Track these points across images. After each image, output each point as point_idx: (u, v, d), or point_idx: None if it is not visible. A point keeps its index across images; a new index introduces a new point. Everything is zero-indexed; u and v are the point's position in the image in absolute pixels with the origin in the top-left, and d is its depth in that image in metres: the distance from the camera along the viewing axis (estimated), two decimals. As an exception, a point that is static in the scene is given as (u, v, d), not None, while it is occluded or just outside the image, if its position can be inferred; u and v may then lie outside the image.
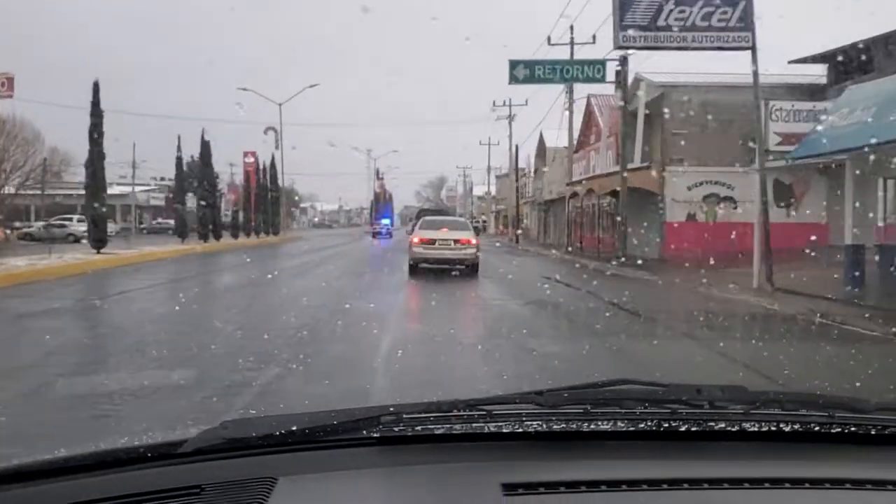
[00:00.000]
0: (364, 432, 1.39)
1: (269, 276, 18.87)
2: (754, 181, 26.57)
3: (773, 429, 1.42)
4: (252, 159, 49.92)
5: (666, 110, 26.50)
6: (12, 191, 58.43)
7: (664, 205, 26.30)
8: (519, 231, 47.49)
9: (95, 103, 22.71)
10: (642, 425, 1.42)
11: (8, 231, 49.36)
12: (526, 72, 24.44)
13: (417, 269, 18.25)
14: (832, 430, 1.43)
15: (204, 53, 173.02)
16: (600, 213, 33.37)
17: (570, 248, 32.32)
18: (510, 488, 1.23)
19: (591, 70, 24.67)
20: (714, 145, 25.55)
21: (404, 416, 1.42)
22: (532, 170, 54.24)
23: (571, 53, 30.22)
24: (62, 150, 52.43)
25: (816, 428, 1.44)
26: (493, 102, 53.57)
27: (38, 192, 58.98)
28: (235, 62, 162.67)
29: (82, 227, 50.84)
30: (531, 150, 54.42)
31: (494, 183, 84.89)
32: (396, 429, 1.40)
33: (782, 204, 25.26)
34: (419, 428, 1.40)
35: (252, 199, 45.13)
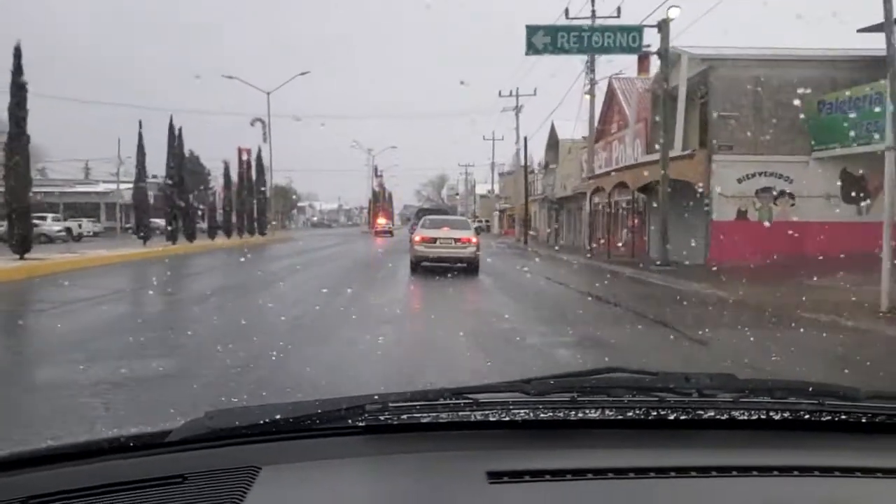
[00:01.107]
0: (349, 421, 1.38)
1: (215, 292, 14.45)
2: (817, 173, 22.60)
3: (763, 417, 1.41)
4: (246, 157, 45.81)
5: (711, 88, 22.26)
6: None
7: (710, 200, 22.02)
8: (532, 232, 43.19)
9: (17, 71, 18.27)
10: (630, 413, 1.40)
11: None
12: (546, 40, 20.17)
13: (419, 269, 18.44)
14: (822, 419, 1.43)
15: (197, 49, 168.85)
16: (626, 211, 29.14)
17: (591, 251, 28.02)
18: (495, 476, 1.23)
19: (625, 38, 20.35)
20: (769, 130, 21.28)
21: (390, 404, 1.40)
22: (541, 165, 49.93)
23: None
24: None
25: (806, 416, 1.42)
26: (499, 92, 49.44)
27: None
28: (230, 57, 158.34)
29: (56, 227, 47.32)
30: (540, 145, 50.19)
31: (498, 181, 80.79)
32: (382, 417, 1.38)
33: (853, 198, 21.08)
34: (405, 416, 1.38)
35: (233, 196, 40.89)
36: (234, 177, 42.94)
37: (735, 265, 19.72)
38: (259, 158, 44.29)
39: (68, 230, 46.87)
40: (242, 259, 25.71)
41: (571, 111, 79.94)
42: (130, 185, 69.93)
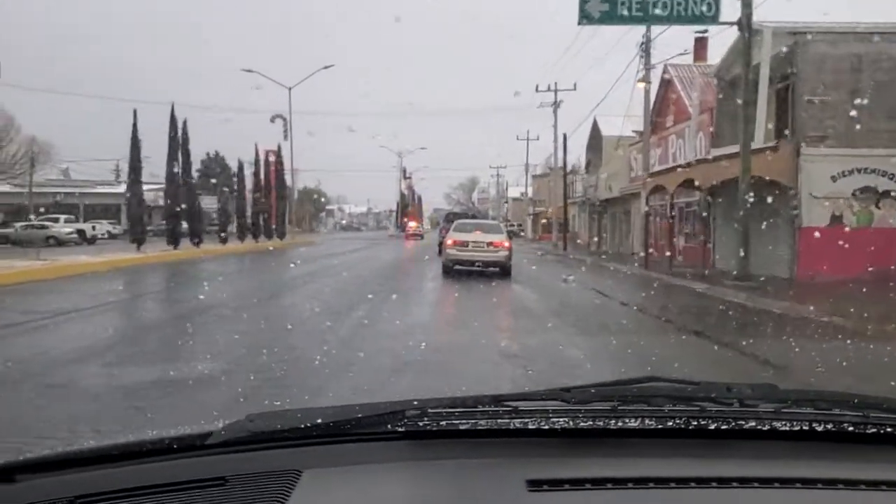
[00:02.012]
0: (389, 426, 1.38)
1: (159, 323, 10.83)
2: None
3: (805, 428, 1.38)
4: (265, 155, 42.97)
5: (800, 68, 18.60)
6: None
7: (798, 202, 18.34)
8: (579, 240, 39.58)
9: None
10: (670, 423, 1.38)
11: None
12: (604, 7, 16.70)
13: (451, 273, 18.38)
14: (867, 431, 1.39)
15: (219, 45, 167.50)
16: (688, 214, 25.51)
17: (644, 260, 24.38)
18: (535, 484, 1.22)
19: (699, 4, 16.80)
20: (870, 118, 17.56)
21: (429, 410, 1.41)
22: (582, 165, 46.28)
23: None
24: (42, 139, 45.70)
25: (850, 428, 1.39)
26: (536, 87, 45.84)
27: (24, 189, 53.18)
28: (249, 54, 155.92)
29: (67, 229, 44.92)
30: (579, 144, 46.59)
31: (532, 184, 77.21)
32: (421, 423, 1.38)
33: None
34: (444, 423, 1.39)
35: (245, 197, 37.90)
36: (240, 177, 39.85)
37: (830, 280, 16.11)
38: (279, 157, 41.17)
39: (80, 232, 44.52)
40: (241, 268, 22.56)
41: (615, 106, 75.53)
42: (153, 188, 68.18)
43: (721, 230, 22.46)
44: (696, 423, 1.38)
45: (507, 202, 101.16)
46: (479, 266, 18.28)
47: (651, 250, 25.89)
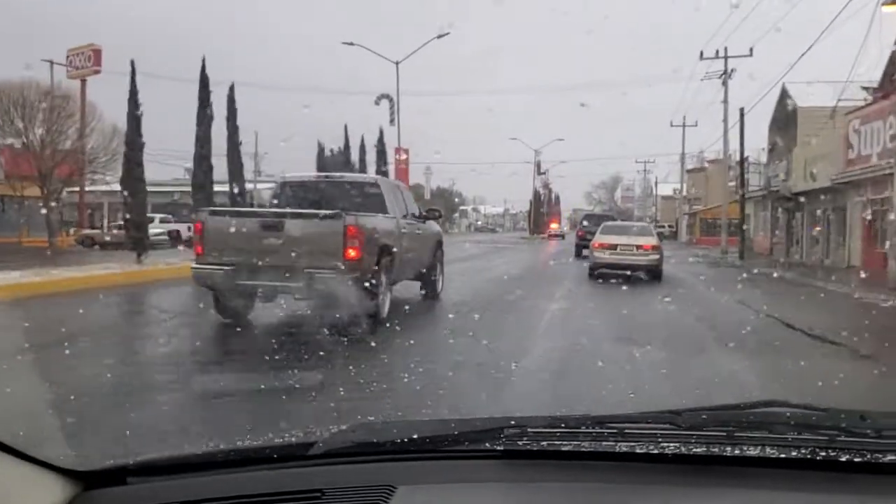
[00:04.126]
0: (487, 444, 1.36)
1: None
2: None
3: None
4: (403, 156, 36.83)
5: None
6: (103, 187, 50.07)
7: None
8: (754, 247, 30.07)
9: None
10: (794, 453, 1.28)
11: (70, 233, 41.17)
12: None
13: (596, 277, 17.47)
14: None
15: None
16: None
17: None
18: None
19: None
20: None
21: (529, 429, 1.38)
22: (766, 149, 36.45)
23: None
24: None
25: None
26: (701, 54, 36.54)
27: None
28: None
29: (156, 231, 40.83)
30: (757, 125, 36.75)
31: (686, 179, 67.01)
32: (520, 443, 1.35)
33: None
34: (544, 443, 1.35)
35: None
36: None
37: None
38: (381, 144, 34.35)
39: (174, 234, 40.79)
40: None
41: (812, 71, 61.90)
42: (268, 186, 64.33)
43: None
44: (824, 453, 1.26)
45: (654, 202, 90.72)
46: (627, 272, 17.18)
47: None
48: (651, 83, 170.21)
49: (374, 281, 8.90)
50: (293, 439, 1.45)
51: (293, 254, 8.48)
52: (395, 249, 9.76)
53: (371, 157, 33.97)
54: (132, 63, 18.56)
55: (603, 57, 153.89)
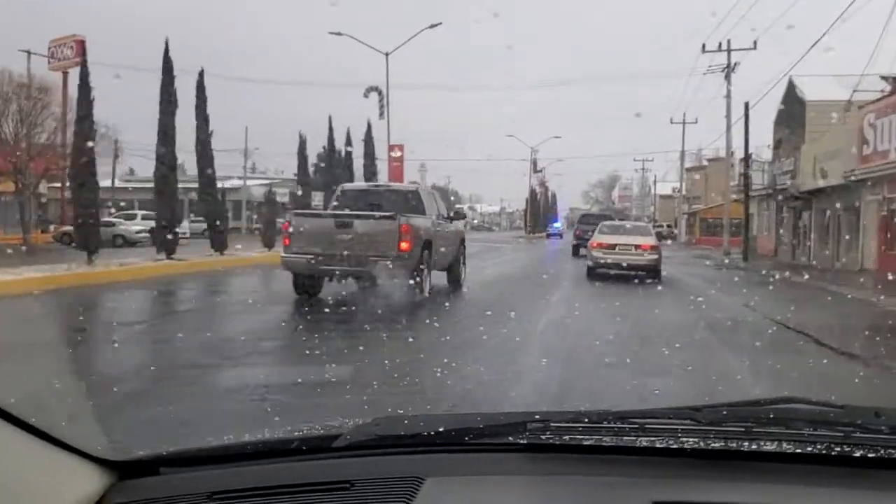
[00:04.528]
0: (510, 438, 1.37)
1: None
2: None
3: None
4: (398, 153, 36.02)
5: None
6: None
7: None
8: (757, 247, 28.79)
9: None
10: (811, 448, 1.30)
11: (49, 230, 39.54)
12: None
13: (595, 275, 17.72)
14: None
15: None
16: None
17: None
18: None
19: None
20: None
21: (552, 424, 1.39)
22: (770, 146, 35.16)
23: None
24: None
25: None
26: (703, 46, 35.27)
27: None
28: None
29: (136, 228, 39.31)
30: (761, 121, 35.48)
31: (685, 178, 65.87)
32: (544, 437, 1.36)
33: None
34: (567, 437, 1.37)
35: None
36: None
37: None
38: (369, 137, 32.92)
39: (153, 231, 39.09)
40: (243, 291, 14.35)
41: (820, 64, 59.61)
42: (262, 182, 62.96)
43: None
44: (839, 449, 1.28)
45: (654, 200, 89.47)
46: (625, 272, 17.08)
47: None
48: (651, 81, 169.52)
49: (420, 266, 11.47)
50: (321, 431, 1.47)
51: (359, 246, 11.07)
52: (433, 244, 12.21)
53: (359, 150, 32.55)
54: (82, 44, 17.13)
55: (602, 55, 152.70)
